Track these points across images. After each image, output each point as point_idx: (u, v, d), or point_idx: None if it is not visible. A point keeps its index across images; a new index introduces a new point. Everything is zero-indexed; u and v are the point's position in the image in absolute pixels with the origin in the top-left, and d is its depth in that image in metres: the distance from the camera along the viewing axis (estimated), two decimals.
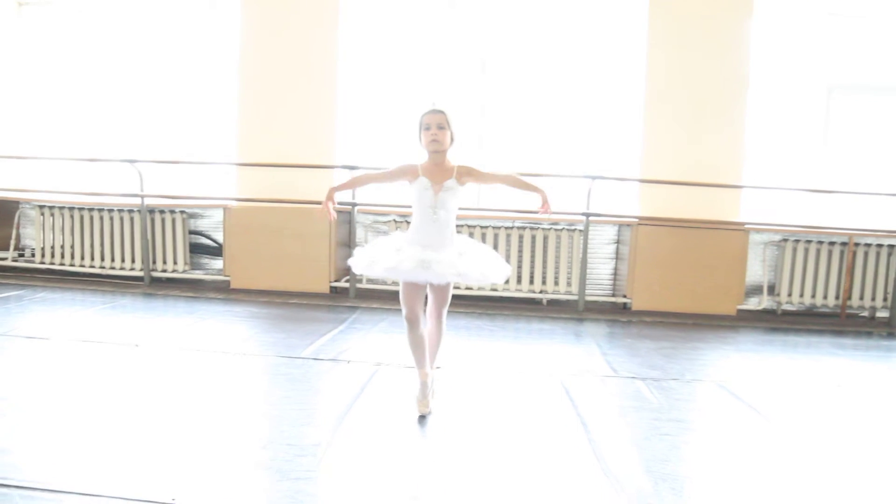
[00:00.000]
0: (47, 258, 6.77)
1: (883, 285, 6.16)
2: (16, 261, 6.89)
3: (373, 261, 3.21)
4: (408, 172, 3.23)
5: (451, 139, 3.20)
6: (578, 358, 4.55)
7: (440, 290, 3.27)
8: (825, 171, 6.46)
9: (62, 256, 6.75)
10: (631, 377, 4.10)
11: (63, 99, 7.10)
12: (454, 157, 3.27)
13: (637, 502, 2.46)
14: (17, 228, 6.98)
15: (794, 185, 6.22)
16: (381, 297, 6.26)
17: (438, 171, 3.20)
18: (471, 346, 4.84)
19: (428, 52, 6.56)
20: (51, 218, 6.75)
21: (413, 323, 3.25)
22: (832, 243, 6.19)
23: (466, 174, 3.21)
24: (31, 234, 7.04)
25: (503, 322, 5.62)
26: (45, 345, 4.25)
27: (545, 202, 3.27)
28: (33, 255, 6.94)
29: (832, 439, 3.25)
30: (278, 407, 3.34)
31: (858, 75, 6.42)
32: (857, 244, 6.14)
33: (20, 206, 7.02)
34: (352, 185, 3.54)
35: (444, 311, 3.36)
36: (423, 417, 3.24)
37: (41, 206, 6.78)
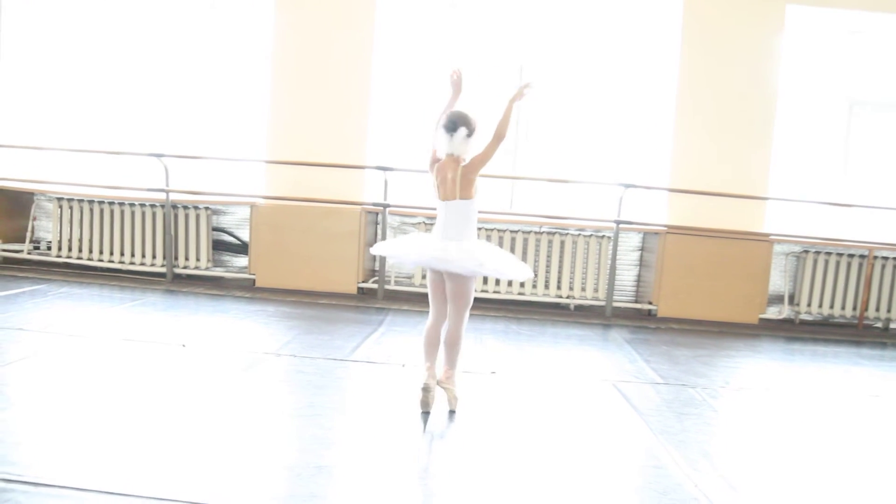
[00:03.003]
0: (64, 251, 6.63)
1: None
2: (30, 253, 6.74)
3: (396, 247, 3.52)
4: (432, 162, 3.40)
5: None
6: (622, 364, 4.61)
7: (458, 283, 3.28)
8: (846, 185, 6.62)
9: (79, 250, 6.62)
10: (681, 384, 4.16)
11: (87, 90, 6.95)
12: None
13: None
14: (33, 220, 6.82)
15: (817, 199, 6.36)
16: (410, 299, 6.25)
17: (450, 168, 3.30)
18: (515, 351, 4.87)
19: (464, 57, 6.56)
20: (69, 211, 6.61)
21: (436, 317, 3.38)
22: (851, 255, 6.35)
23: (471, 165, 3.30)
24: (46, 227, 6.89)
25: (533, 326, 5.67)
26: (86, 343, 4.17)
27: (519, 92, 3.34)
28: (49, 248, 6.80)
29: (884, 447, 3.36)
30: (345, 412, 3.33)
31: (879, 92, 6.60)
32: (875, 257, 6.31)
33: (35, 197, 6.86)
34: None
35: (466, 314, 3.35)
36: (426, 414, 3.23)
37: (59, 199, 6.64)
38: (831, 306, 6.39)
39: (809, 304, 6.40)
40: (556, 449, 3.04)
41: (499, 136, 3.28)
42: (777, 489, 2.75)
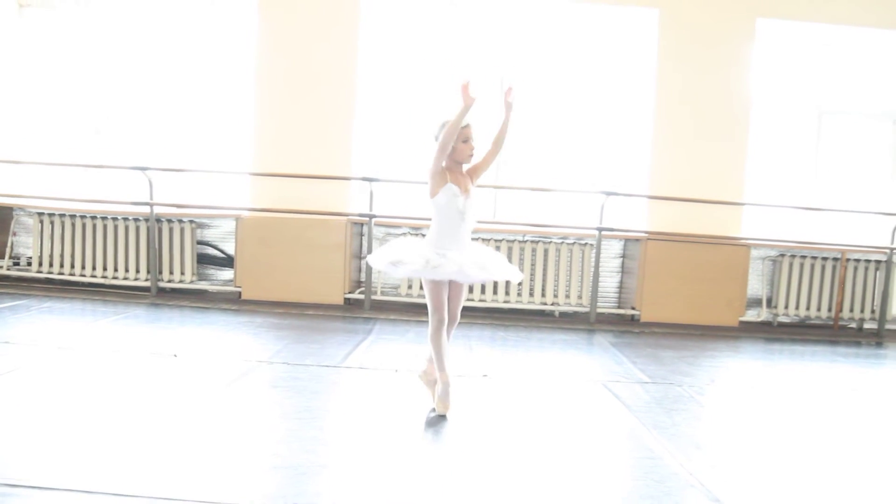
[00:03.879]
0: (45, 267, 6.56)
1: (871, 299, 6.54)
2: (9, 269, 6.64)
3: (399, 260, 3.35)
4: (442, 174, 3.37)
5: None
6: (610, 366, 4.70)
7: (460, 291, 3.46)
8: (817, 191, 6.84)
9: (61, 266, 6.55)
10: (668, 383, 4.26)
11: (67, 104, 6.91)
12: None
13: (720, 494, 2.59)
14: (13, 236, 6.73)
15: (790, 203, 6.56)
16: (398, 309, 6.29)
17: (462, 177, 3.41)
18: (504, 355, 4.93)
19: (446, 68, 6.68)
20: (50, 226, 6.54)
21: (445, 324, 3.41)
22: (825, 258, 6.55)
23: (474, 173, 3.46)
24: (26, 242, 6.80)
25: (520, 332, 5.74)
26: (76, 355, 4.14)
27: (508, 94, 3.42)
28: (29, 264, 6.71)
29: (864, 435, 3.49)
30: (343, 414, 3.36)
31: (847, 102, 6.85)
32: (848, 259, 6.52)
33: (14, 212, 6.78)
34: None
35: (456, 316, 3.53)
36: (442, 417, 3.30)
37: (40, 213, 6.57)
38: (807, 308, 6.57)
39: (787, 307, 6.58)
40: (554, 444, 3.10)
41: (495, 144, 3.45)
42: (766, 475, 2.84)
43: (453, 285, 3.43)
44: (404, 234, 6.43)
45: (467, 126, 3.36)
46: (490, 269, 3.40)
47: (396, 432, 3.12)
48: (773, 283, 6.64)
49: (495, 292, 6.42)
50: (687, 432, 3.34)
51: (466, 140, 3.36)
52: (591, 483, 2.68)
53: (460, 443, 3.06)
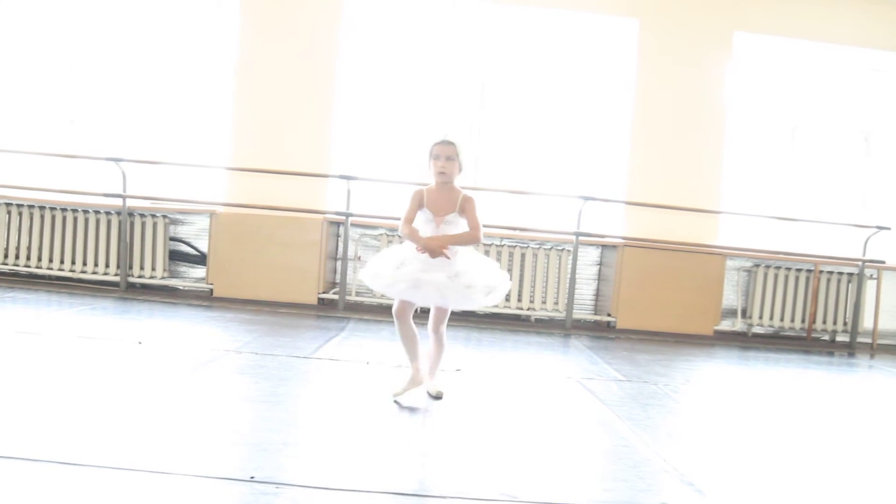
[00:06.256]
0: (10, 259, 6.37)
1: (843, 311, 6.60)
2: None
3: (376, 274, 3.24)
4: (419, 202, 3.24)
5: (460, 170, 3.23)
6: (585, 365, 4.66)
7: (438, 307, 3.29)
8: (790, 202, 6.92)
9: (27, 258, 6.37)
10: (643, 382, 4.23)
11: (41, 93, 6.77)
12: (460, 185, 3.27)
13: (693, 481, 2.55)
14: None
15: (766, 213, 6.61)
16: (372, 310, 6.21)
17: (443, 200, 3.21)
18: (478, 353, 4.88)
19: (427, 69, 6.68)
20: (18, 216, 6.38)
21: (401, 318, 3.27)
22: (799, 270, 6.60)
23: (468, 205, 3.20)
24: None
25: (495, 335, 5.68)
26: (40, 340, 4.00)
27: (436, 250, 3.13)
28: None
29: (837, 430, 3.48)
30: (311, 399, 3.27)
31: (819, 115, 6.97)
32: (821, 271, 6.58)
33: None
34: (412, 234, 3.22)
35: (443, 328, 3.37)
36: (396, 403, 3.18)
37: (7, 204, 6.40)
38: (781, 319, 6.61)
39: (761, 318, 6.61)
40: (528, 431, 3.04)
41: (467, 235, 3.21)
42: (740, 463, 2.81)
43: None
44: (382, 233, 6.37)
45: (439, 143, 3.16)
46: (448, 297, 3.16)
47: (366, 416, 3.04)
48: (747, 294, 6.67)
49: None
50: (661, 424, 3.31)
51: (438, 157, 3.17)
52: (565, 467, 2.62)
53: (434, 427, 2.99)
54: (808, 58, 6.86)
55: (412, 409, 3.17)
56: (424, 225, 3.22)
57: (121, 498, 1.95)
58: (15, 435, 2.35)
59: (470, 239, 3.22)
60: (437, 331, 3.37)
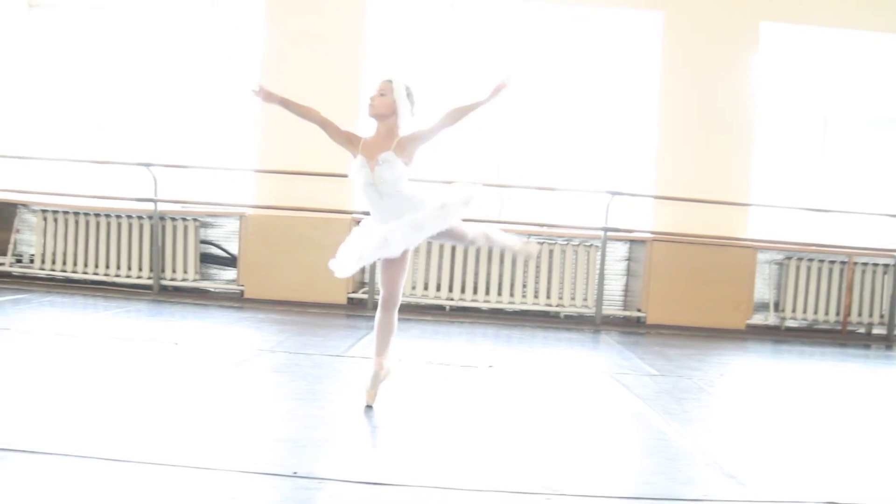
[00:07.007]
0: (47, 265, 6.51)
1: (879, 303, 6.46)
2: (12, 266, 6.60)
3: (340, 261, 3.07)
4: (350, 142, 3.05)
5: (397, 112, 3.01)
6: (617, 361, 4.63)
7: (391, 265, 3.06)
8: (823, 194, 6.78)
9: (63, 263, 6.50)
10: (677, 376, 4.19)
11: (72, 101, 6.91)
12: (405, 129, 3.04)
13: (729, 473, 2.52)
14: (16, 233, 6.70)
15: (797, 204, 6.50)
16: (400, 309, 6.16)
17: (377, 143, 3.00)
18: (509, 350, 4.88)
19: (452, 64, 6.68)
20: (53, 223, 6.51)
21: (388, 305, 3.13)
22: (832, 262, 6.48)
23: (409, 141, 2.98)
24: (29, 240, 6.76)
25: (524, 331, 5.67)
26: (80, 342, 4.09)
27: (499, 86, 3.02)
28: (31, 262, 6.67)
29: (876, 422, 3.42)
30: (345, 396, 3.30)
31: (852, 106, 6.83)
32: (855, 263, 6.45)
33: (17, 209, 6.76)
34: (285, 103, 3.30)
35: (399, 295, 3.15)
36: (370, 408, 3.00)
37: (43, 211, 6.54)
38: (815, 312, 6.49)
39: (794, 311, 6.49)
40: (564, 425, 3.04)
41: (449, 116, 3.01)
42: (780, 455, 2.77)
43: (384, 259, 3.03)
44: None
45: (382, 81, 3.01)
46: (425, 226, 2.92)
47: (399, 412, 3.05)
48: (780, 287, 6.57)
49: (500, 293, 6.35)
50: (697, 417, 3.29)
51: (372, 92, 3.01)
52: (604, 461, 2.61)
53: (471, 422, 3.00)
54: (836, 46, 6.72)
55: (444, 405, 3.18)
56: (358, 172, 2.98)
57: (172, 493, 1.99)
58: (66, 434, 2.41)
59: (457, 111, 2.99)
60: (391, 301, 3.16)
